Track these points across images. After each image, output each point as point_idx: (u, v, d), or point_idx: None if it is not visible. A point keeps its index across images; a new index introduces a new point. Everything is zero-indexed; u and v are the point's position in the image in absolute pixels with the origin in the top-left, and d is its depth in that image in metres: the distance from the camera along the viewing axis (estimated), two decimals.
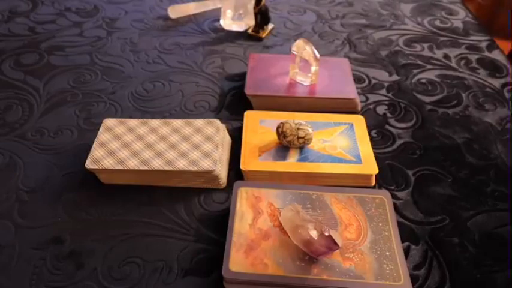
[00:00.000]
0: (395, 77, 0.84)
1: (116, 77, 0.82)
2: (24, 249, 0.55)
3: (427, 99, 0.80)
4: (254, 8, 0.91)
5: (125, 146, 0.62)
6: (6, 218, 0.58)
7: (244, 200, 0.57)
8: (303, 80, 0.76)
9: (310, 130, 0.64)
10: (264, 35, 0.93)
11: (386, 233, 0.54)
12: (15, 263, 0.53)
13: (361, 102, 0.78)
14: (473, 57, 0.91)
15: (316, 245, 0.49)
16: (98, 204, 0.60)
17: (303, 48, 0.74)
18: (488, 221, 0.60)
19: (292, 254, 0.51)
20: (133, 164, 0.60)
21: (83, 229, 0.57)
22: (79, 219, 0.58)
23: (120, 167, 0.59)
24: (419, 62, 0.89)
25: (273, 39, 0.94)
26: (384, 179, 0.65)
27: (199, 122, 0.66)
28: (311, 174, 0.62)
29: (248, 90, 0.75)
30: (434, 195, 0.63)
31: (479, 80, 0.85)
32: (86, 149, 0.66)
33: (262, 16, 0.92)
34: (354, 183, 0.62)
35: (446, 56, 0.91)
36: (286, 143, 0.65)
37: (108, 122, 0.67)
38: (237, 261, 0.50)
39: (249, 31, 0.94)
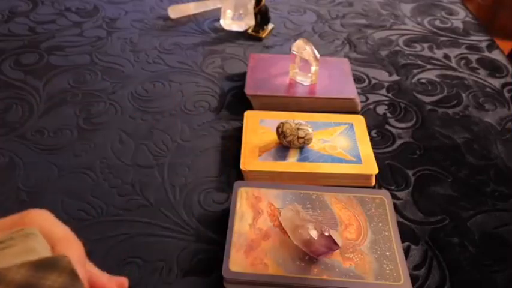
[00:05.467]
0: (395, 77, 0.84)
1: (116, 77, 0.82)
2: None
3: (427, 99, 0.80)
4: (254, 8, 0.91)
5: None
6: None
7: (244, 200, 0.57)
8: (303, 80, 0.76)
9: (310, 130, 0.64)
10: (264, 35, 0.93)
11: (386, 233, 0.54)
12: None
13: (361, 102, 0.78)
14: (473, 57, 0.91)
15: (316, 245, 0.49)
16: (98, 204, 0.60)
17: (303, 48, 0.74)
18: (488, 221, 0.60)
19: (292, 254, 0.51)
20: None
21: (83, 229, 0.57)
22: (79, 219, 0.58)
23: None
24: (419, 62, 0.89)
25: (273, 39, 0.94)
26: (384, 179, 0.65)
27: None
28: (311, 174, 0.62)
29: (248, 90, 0.75)
30: (434, 195, 0.63)
31: (479, 80, 0.85)
32: (86, 149, 0.66)
33: (262, 16, 0.92)
34: (354, 183, 0.62)
35: (446, 56, 0.91)
36: (286, 143, 0.65)
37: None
38: (237, 261, 0.50)
39: (249, 31, 0.94)
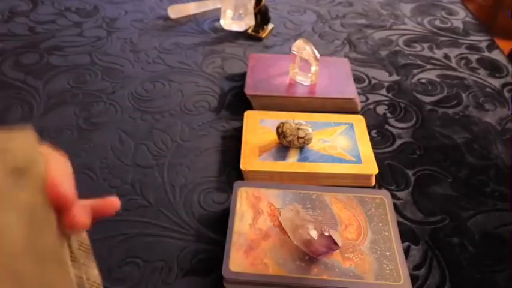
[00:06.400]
0: (395, 77, 0.84)
1: (116, 77, 0.82)
2: None
3: (427, 99, 0.80)
4: (254, 8, 0.91)
5: None
6: None
7: (244, 200, 0.57)
8: (303, 80, 0.76)
9: (310, 130, 0.64)
10: (264, 35, 0.93)
11: (386, 233, 0.54)
12: None
13: (361, 102, 0.78)
14: (473, 57, 0.91)
15: (316, 245, 0.49)
16: None
17: (303, 48, 0.74)
18: (488, 221, 0.60)
19: (292, 254, 0.51)
20: None
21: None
22: None
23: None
24: (419, 62, 0.89)
25: (273, 39, 0.94)
26: (384, 179, 0.65)
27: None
28: (311, 174, 0.62)
29: (248, 90, 0.75)
30: (434, 195, 0.63)
31: (479, 80, 0.85)
32: (86, 149, 0.66)
33: (262, 16, 0.92)
34: (353, 183, 0.62)
35: (446, 56, 0.91)
36: (286, 143, 0.65)
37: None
38: (237, 261, 0.50)
39: (249, 31, 0.94)
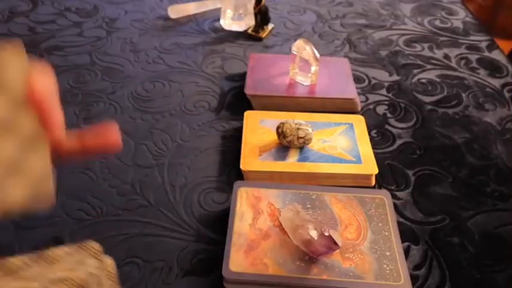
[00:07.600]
0: (395, 77, 0.84)
1: (116, 77, 0.82)
2: (24, 250, 0.54)
3: (427, 99, 0.80)
4: (254, 8, 0.91)
5: None
6: None
7: (244, 200, 0.57)
8: (303, 80, 0.76)
9: (310, 130, 0.64)
10: (264, 35, 0.93)
11: (386, 233, 0.54)
12: None
13: (361, 102, 0.78)
14: (473, 57, 0.91)
15: (316, 245, 0.49)
16: (97, 204, 0.60)
17: (303, 48, 0.74)
18: (488, 221, 0.60)
19: (292, 254, 0.51)
20: None
21: (83, 229, 0.57)
22: (79, 219, 0.58)
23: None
24: (419, 62, 0.89)
25: (273, 39, 0.94)
26: (384, 179, 0.65)
27: None
28: (311, 174, 0.62)
29: (248, 90, 0.75)
30: (434, 195, 0.63)
31: (479, 80, 0.85)
32: None
33: (262, 16, 0.92)
34: (353, 183, 0.62)
35: (446, 56, 0.91)
36: (286, 143, 0.65)
37: None
38: (237, 261, 0.50)
39: (249, 31, 0.94)
